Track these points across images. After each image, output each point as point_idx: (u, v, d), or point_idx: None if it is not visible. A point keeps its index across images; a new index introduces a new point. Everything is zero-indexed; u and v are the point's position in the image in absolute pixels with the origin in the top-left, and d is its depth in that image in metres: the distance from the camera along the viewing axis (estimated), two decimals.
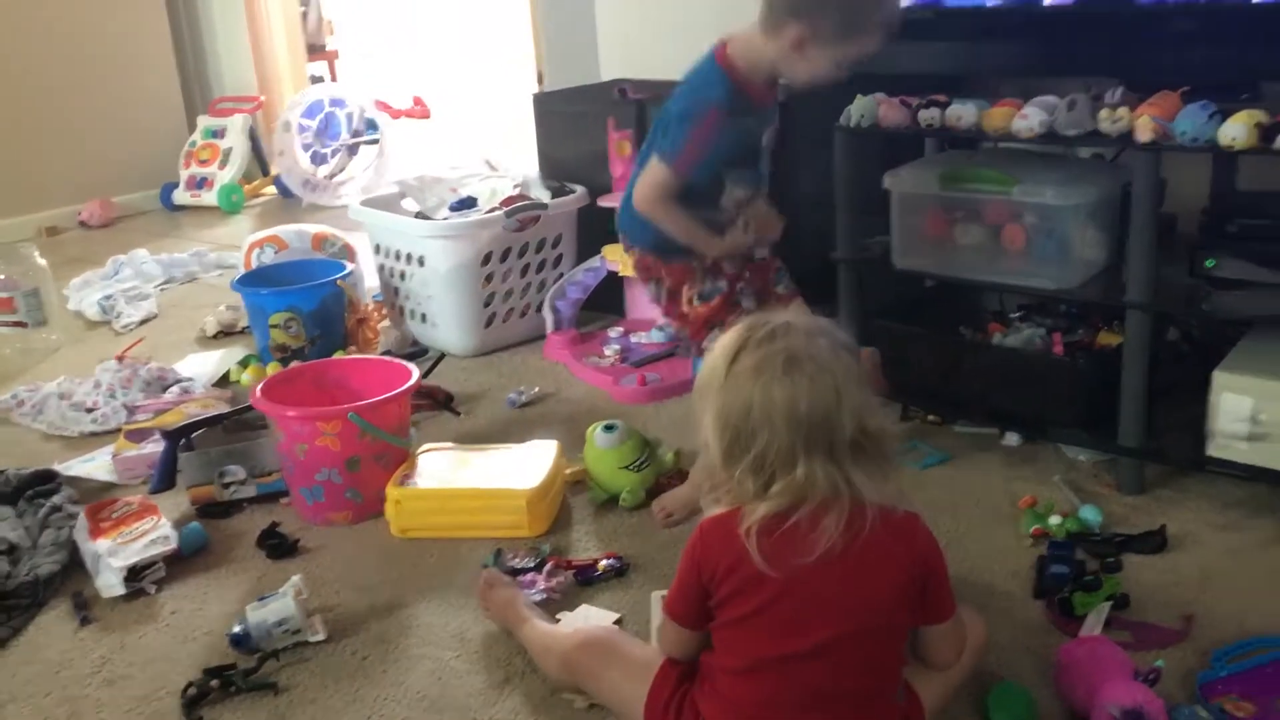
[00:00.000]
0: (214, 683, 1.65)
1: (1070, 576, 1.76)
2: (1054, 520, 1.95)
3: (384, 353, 2.99)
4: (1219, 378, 1.92)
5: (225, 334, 3.30)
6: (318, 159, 5.31)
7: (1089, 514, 1.96)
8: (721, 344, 1.37)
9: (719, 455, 1.34)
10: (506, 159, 4.26)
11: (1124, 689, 1.42)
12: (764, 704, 1.32)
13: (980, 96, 2.15)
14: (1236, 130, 1.78)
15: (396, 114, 7.16)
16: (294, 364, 2.84)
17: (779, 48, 1.84)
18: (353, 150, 5.45)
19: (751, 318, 1.39)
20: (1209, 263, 2.00)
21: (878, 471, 1.31)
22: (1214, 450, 1.95)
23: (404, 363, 2.31)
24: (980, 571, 1.86)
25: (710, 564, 1.33)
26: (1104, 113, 1.92)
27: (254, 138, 5.25)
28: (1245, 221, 2.00)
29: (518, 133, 5.68)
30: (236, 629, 1.74)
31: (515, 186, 3.14)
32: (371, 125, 5.45)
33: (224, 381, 2.92)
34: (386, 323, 3.19)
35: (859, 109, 2.22)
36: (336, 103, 5.39)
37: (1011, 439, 2.30)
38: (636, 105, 3.01)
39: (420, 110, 7.86)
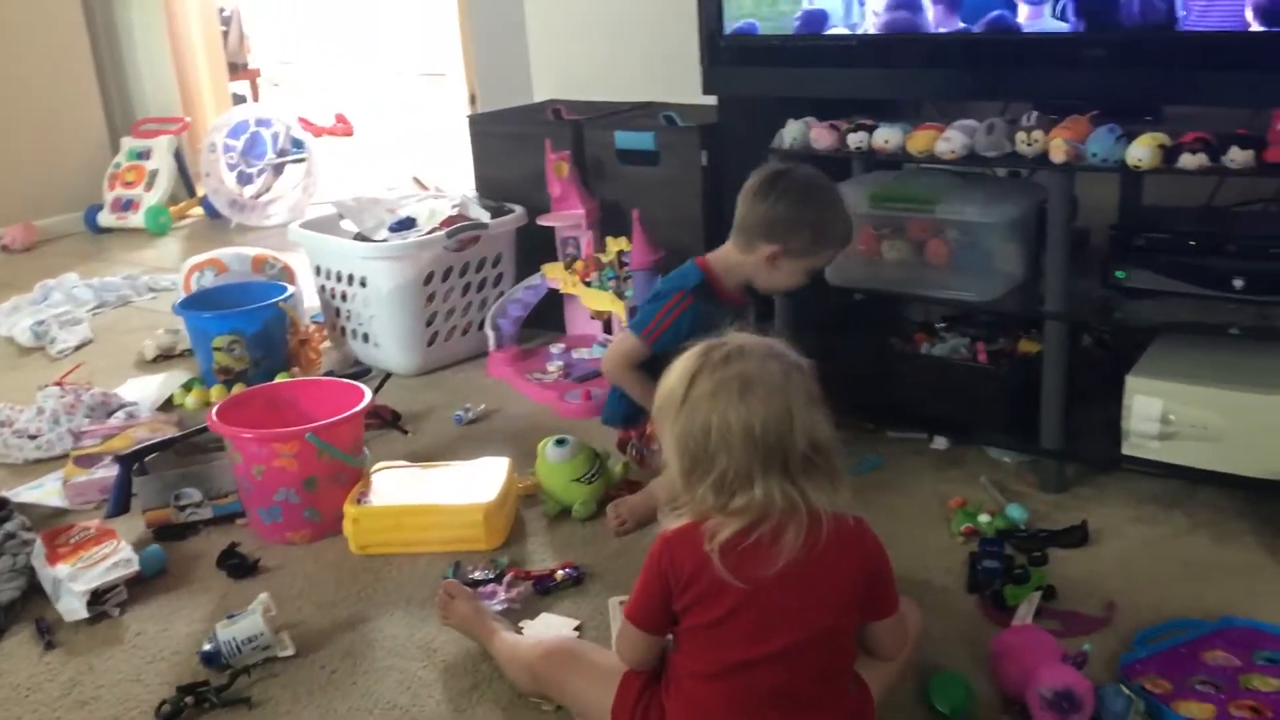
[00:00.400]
0: (188, 700, 1.69)
1: (1001, 571, 1.87)
2: (983, 519, 2.07)
3: (326, 373, 3.03)
4: (1131, 382, 2.06)
5: (164, 358, 3.30)
6: (244, 179, 5.29)
7: (1015, 512, 2.09)
8: (679, 368, 1.43)
9: (679, 475, 1.41)
10: (435, 177, 4.32)
11: (1055, 672, 1.53)
12: (730, 706, 1.40)
13: (901, 119, 2.27)
14: (1142, 152, 1.92)
15: (319, 132, 7.17)
16: (237, 387, 2.88)
17: (753, 262, 2.17)
18: (279, 170, 5.44)
19: (706, 342, 1.45)
20: (1119, 274, 2.14)
21: (828, 483, 1.39)
22: (1128, 449, 2.09)
23: (355, 383, 2.36)
24: (916, 569, 1.96)
25: (675, 572, 1.39)
26: (1020, 135, 2.05)
27: (180, 159, 5.22)
28: (1152, 235, 2.14)
29: (444, 150, 5.74)
30: (207, 647, 1.78)
31: (454, 207, 3.20)
32: (297, 144, 5.45)
33: (168, 405, 2.93)
34: (328, 344, 3.22)
35: (791, 133, 2.34)
36: (262, 122, 5.38)
37: (940, 443, 2.42)
38: (573, 126, 3.10)
39: (343, 128, 7.88)
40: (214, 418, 2.17)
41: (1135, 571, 1.93)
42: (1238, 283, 2.02)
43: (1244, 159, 1.84)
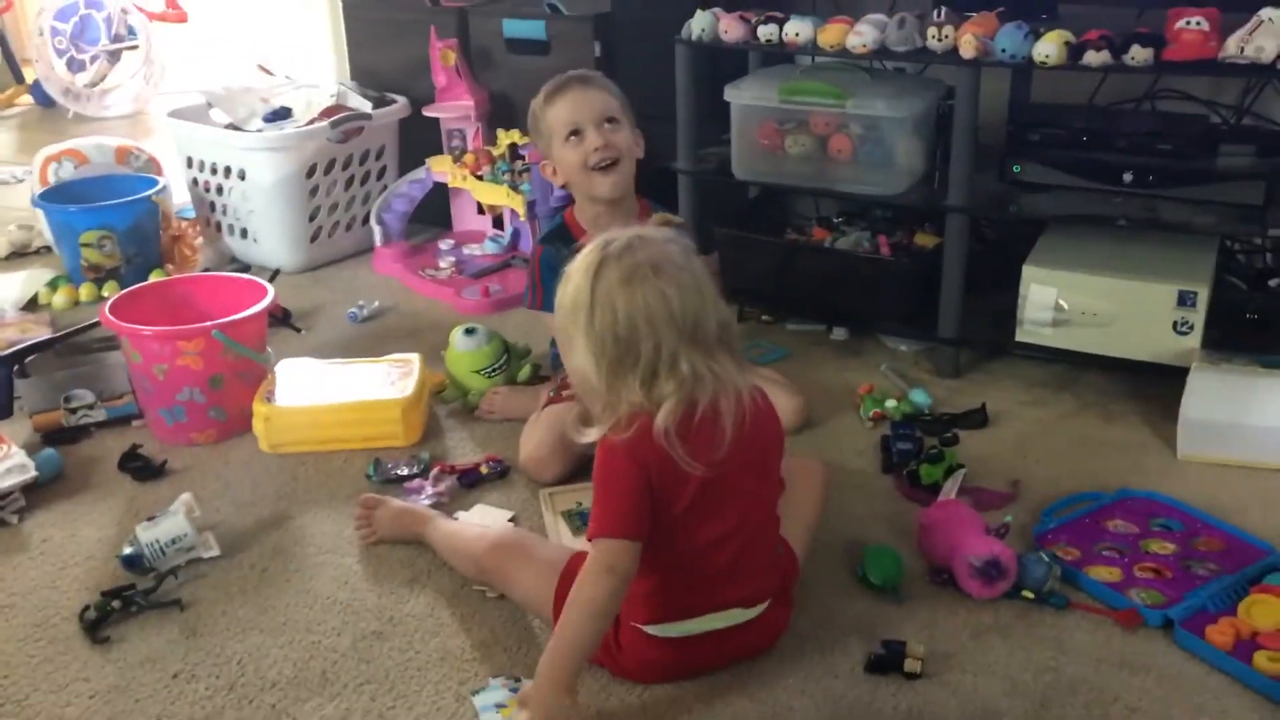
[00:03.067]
0: (114, 604, 1.63)
1: (914, 452, 1.96)
2: (890, 404, 2.16)
3: (203, 270, 2.91)
4: (1028, 271, 2.15)
5: (18, 255, 3.10)
6: (75, 66, 4.94)
7: (918, 397, 2.18)
8: (578, 267, 1.40)
9: (602, 375, 1.37)
10: (283, 66, 4.11)
11: (981, 543, 1.62)
12: (687, 587, 1.44)
13: (806, 13, 2.27)
14: (1049, 48, 1.99)
15: (151, 17, 6.70)
16: (109, 286, 2.75)
17: (558, 182, 2.07)
18: (114, 57, 5.10)
19: (598, 239, 1.42)
20: (1016, 169, 2.23)
21: (735, 359, 1.42)
22: (1022, 336, 2.19)
23: (253, 278, 2.27)
24: (831, 452, 2.03)
25: (644, 463, 1.36)
26: (931, 30, 2.09)
27: (3, 42, 4.83)
28: (1046, 130, 2.23)
29: (290, 37, 5.45)
30: (128, 550, 1.72)
31: (331, 96, 3.07)
32: (131, 31, 5.10)
33: (32, 305, 2.76)
34: (201, 240, 3.07)
35: (699, 23, 2.32)
36: (93, 4, 5.01)
37: (839, 334, 2.49)
38: (457, 13, 2.99)
39: (175, 13, 7.37)
40: (108, 315, 2.06)
41: (1032, 450, 2.04)
42: (1127, 176, 2.13)
43: (1144, 56, 1.93)
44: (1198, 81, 2.36)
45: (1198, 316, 2.04)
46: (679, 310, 1.35)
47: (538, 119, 2.04)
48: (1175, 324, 2.05)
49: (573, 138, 1.99)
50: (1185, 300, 2.04)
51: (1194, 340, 2.05)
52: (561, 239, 2.05)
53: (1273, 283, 2.30)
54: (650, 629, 1.46)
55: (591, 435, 1.41)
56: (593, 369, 1.38)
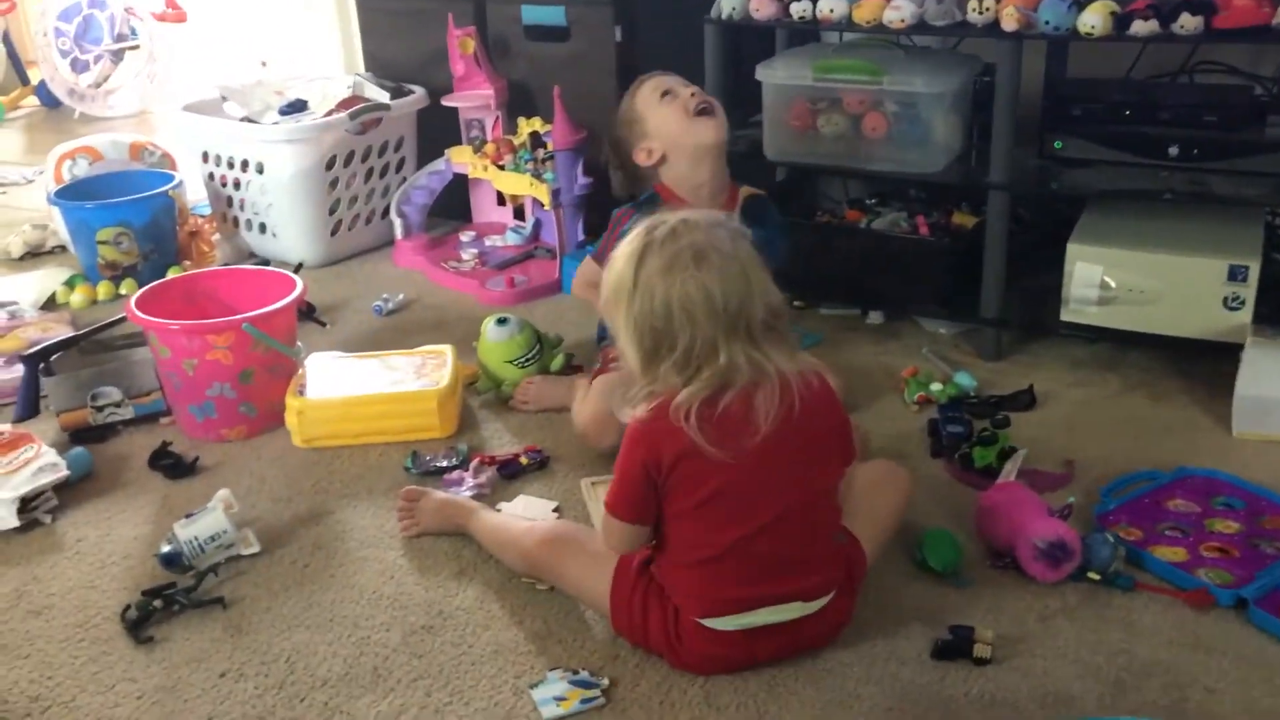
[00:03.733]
0: (156, 603, 1.59)
1: (965, 435, 1.92)
2: (935, 387, 2.11)
3: (222, 266, 2.86)
4: (1072, 249, 2.11)
5: (33, 254, 3.05)
6: (79, 66, 4.89)
7: (964, 379, 2.14)
8: (623, 252, 1.38)
9: (639, 361, 1.36)
10: (286, 61, 4.07)
11: (1045, 524, 1.58)
12: (727, 583, 1.40)
13: None
14: (1094, 19, 1.94)
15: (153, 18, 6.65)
16: (126, 284, 2.71)
17: (654, 167, 2.08)
18: (117, 56, 5.05)
19: (646, 220, 1.40)
20: (1057, 145, 2.18)
21: (786, 346, 1.38)
22: (1067, 315, 2.14)
23: (279, 270, 2.23)
24: (877, 438, 1.99)
25: (654, 462, 1.35)
26: (972, 3, 2.04)
27: (8, 43, 4.78)
28: (1086, 105, 2.19)
29: (289, 33, 5.41)
30: (166, 548, 1.67)
31: (348, 88, 3.03)
32: (136, 30, 5.06)
33: (51, 303, 2.72)
34: (218, 236, 3.03)
35: (729, 1, 2.27)
36: (96, 4, 4.97)
37: (875, 317, 2.45)
38: (474, 1, 2.94)
39: (174, 13, 7.32)
40: (136, 311, 2.01)
41: (1083, 431, 2.00)
42: (1173, 150, 2.09)
43: (1194, 25, 1.88)
44: (1237, 53, 2.32)
45: (1249, 291, 1.99)
46: (720, 300, 1.32)
47: (626, 110, 2.10)
48: (1226, 299, 2.01)
49: (666, 96, 2.05)
50: (1236, 275, 1.99)
51: (1245, 315, 2.01)
52: (654, 208, 1.99)
53: None
54: (708, 622, 1.42)
55: (629, 415, 1.39)
56: (631, 353, 1.37)
